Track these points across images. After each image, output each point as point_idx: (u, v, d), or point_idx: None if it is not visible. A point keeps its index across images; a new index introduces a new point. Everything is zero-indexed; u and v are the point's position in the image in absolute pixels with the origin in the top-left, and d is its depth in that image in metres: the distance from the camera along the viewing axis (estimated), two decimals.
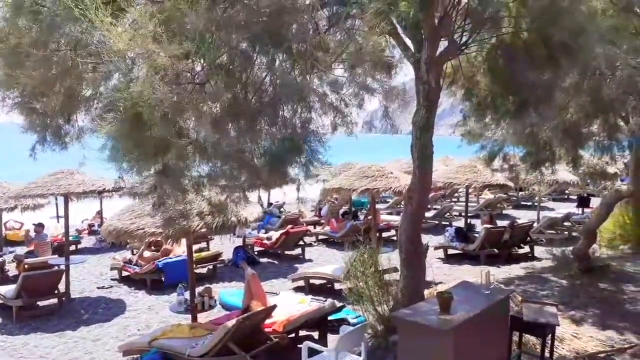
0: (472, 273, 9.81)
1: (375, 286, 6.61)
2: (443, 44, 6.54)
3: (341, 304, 7.39)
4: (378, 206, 15.53)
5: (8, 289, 9.22)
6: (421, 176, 6.42)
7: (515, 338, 5.76)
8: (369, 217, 12.91)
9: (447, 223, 16.71)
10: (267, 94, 5.10)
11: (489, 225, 12.40)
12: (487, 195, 21.05)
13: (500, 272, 10.43)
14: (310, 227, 15.85)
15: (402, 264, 6.53)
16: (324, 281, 9.75)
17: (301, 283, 10.03)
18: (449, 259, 12.16)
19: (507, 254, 11.95)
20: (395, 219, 15.77)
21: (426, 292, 7.11)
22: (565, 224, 15.29)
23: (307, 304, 7.46)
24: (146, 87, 3.69)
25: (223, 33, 3.97)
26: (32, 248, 13.08)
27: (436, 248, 12.29)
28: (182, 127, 4.44)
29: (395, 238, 14.30)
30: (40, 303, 9.36)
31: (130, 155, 4.30)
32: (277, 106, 4.98)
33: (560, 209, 19.04)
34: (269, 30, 4.70)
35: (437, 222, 16.89)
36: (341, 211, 17.12)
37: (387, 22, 5.90)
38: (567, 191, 24.26)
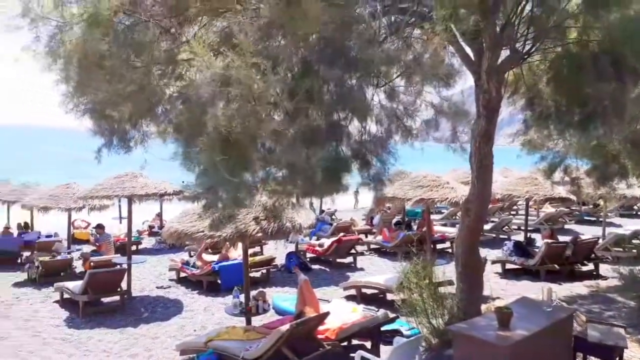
0: (531, 289, 9.45)
1: (429, 298, 6.49)
2: (504, 52, 6.40)
3: (394, 315, 7.31)
4: (432, 217, 15.28)
5: (75, 285, 9.76)
6: (480, 187, 6.28)
7: None
8: (423, 228, 12.71)
9: (505, 236, 16.16)
10: (327, 103, 5.18)
11: (549, 240, 11.91)
12: (548, 208, 20.19)
13: (562, 290, 9.98)
14: (362, 236, 15.78)
15: (459, 277, 6.40)
16: (376, 291, 9.68)
17: (353, 292, 10.01)
18: (506, 274, 11.77)
19: (569, 270, 11.42)
20: (450, 231, 15.46)
21: (483, 306, 6.93)
22: (634, 241, 14.42)
23: (359, 313, 7.44)
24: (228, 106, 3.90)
25: (289, 46, 4.09)
26: (97, 247, 13.81)
27: (493, 262, 11.92)
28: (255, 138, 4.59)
29: (450, 250, 14.05)
30: (104, 299, 9.84)
31: (199, 161, 4.49)
32: (336, 115, 5.05)
33: (628, 226, 17.99)
34: (329, 41, 4.79)
35: (494, 235, 16.40)
36: (394, 221, 16.95)
37: (447, 31, 5.84)
38: (635, 206, 22.91)
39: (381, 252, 14.60)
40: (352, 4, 4.99)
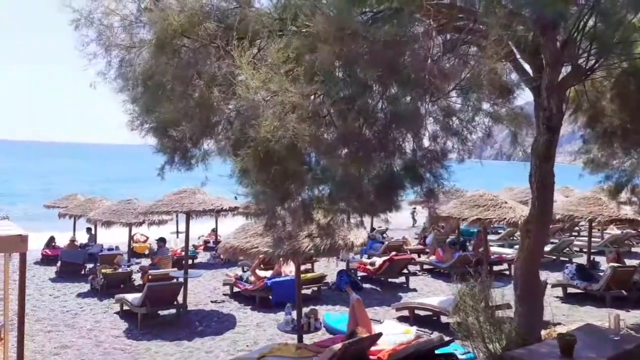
0: (595, 315, 8.95)
1: (486, 322, 6.27)
2: (566, 68, 6.20)
3: (449, 338, 7.11)
4: (488, 237, 14.81)
5: (134, 297, 10.12)
6: (540, 208, 6.06)
7: None
8: (480, 249, 12.35)
9: (567, 259, 15.44)
10: (381, 121, 5.19)
11: (616, 264, 11.26)
12: (613, 230, 19.15)
13: (630, 317, 9.38)
14: (415, 255, 15.52)
15: (517, 300, 6.16)
16: (430, 313, 9.46)
17: (405, 313, 9.83)
18: (568, 298, 11.20)
19: (637, 297, 10.73)
20: (508, 252, 14.95)
21: (543, 332, 6.62)
22: None
23: (413, 335, 7.27)
24: (274, 121, 4.00)
25: (344, 66, 4.16)
26: (155, 260, 14.29)
27: (554, 286, 11.39)
28: (302, 154, 4.67)
29: (507, 272, 13.56)
30: (161, 312, 10.14)
31: (254, 180, 4.61)
32: (390, 133, 5.05)
33: None
34: (384, 60, 4.82)
35: (554, 257, 15.69)
36: (448, 240, 16.58)
37: (505, 47, 5.74)
38: None
39: (435, 272, 14.28)
40: (404, 23, 5.01)
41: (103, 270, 12.64)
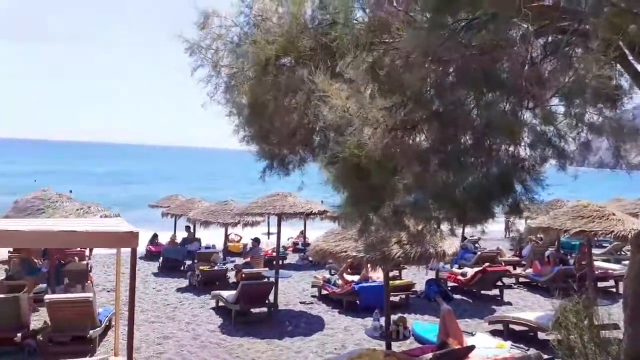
0: None
1: (590, 342, 5.85)
2: None
3: (548, 356, 6.73)
4: (592, 251, 13.77)
5: (229, 294, 10.64)
6: None
7: None
8: (583, 263, 11.52)
9: None
10: (476, 129, 5.06)
11: None
12: None
13: None
14: (510, 267, 14.79)
15: (627, 321, 5.66)
16: (526, 328, 8.99)
17: (499, 327, 9.42)
18: None
19: None
20: (614, 267, 13.80)
21: None
22: None
23: (507, 350, 6.98)
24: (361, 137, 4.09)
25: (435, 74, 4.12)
26: (248, 259, 14.90)
27: None
28: (394, 166, 4.68)
29: (614, 290, 12.53)
30: (253, 310, 10.56)
31: (347, 188, 4.70)
32: (485, 142, 4.90)
33: None
34: (479, 66, 4.70)
35: None
36: (547, 253, 15.62)
37: (615, 49, 5.35)
38: None
39: (532, 286, 13.53)
40: (501, 28, 4.85)
41: (201, 267, 13.43)
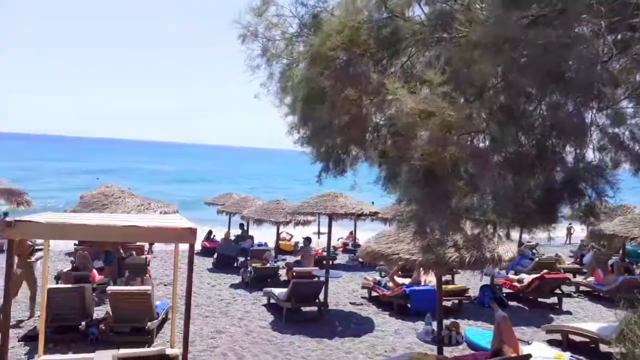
0: None
1: None
2: None
3: None
4: None
5: (281, 292, 10.77)
6: None
7: None
8: None
9: None
10: (538, 128, 4.89)
11: None
12: None
13: None
14: (570, 275, 14.17)
15: None
16: (587, 339, 8.57)
17: (557, 336, 9.03)
18: None
19: None
20: None
21: None
22: None
23: None
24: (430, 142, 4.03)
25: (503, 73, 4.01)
26: (299, 258, 15.05)
27: None
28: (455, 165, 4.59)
29: None
30: (304, 308, 10.64)
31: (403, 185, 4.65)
32: (550, 143, 4.72)
33: None
34: (545, 65, 4.53)
35: None
36: (610, 261, 14.86)
37: None
38: None
39: (593, 295, 12.90)
40: (569, 24, 4.65)
41: (253, 264, 13.69)
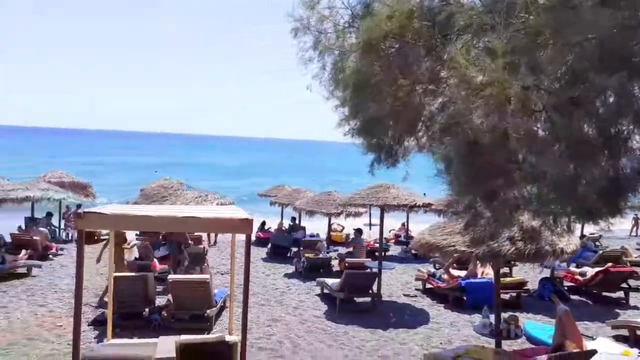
0: None
1: None
2: None
3: None
4: None
5: (334, 282, 10.86)
6: None
7: None
8: None
9: None
10: (602, 114, 4.67)
11: None
12: None
13: None
14: (638, 269, 13.43)
15: None
16: None
17: (623, 332, 8.63)
18: None
19: None
20: None
21: None
22: None
23: (634, 358, 6.39)
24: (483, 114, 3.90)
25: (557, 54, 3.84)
26: (351, 249, 15.08)
27: None
28: (513, 152, 4.46)
29: None
30: (357, 299, 10.67)
31: (459, 176, 4.55)
32: (616, 129, 4.49)
33: None
34: (607, 47, 4.31)
35: None
36: None
37: None
38: None
39: None
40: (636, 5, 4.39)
41: (306, 255, 13.84)
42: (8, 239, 14.41)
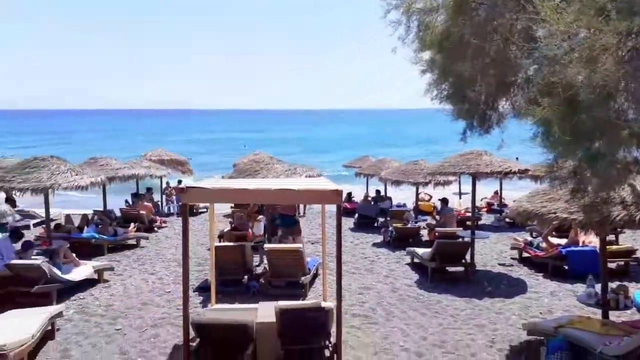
0: None
1: None
2: None
3: None
4: None
5: (424, 251, 10.77)
6: None
7: None
8: None
9: None
10: None
11: None
12: None
13: None
14: None
15: None
16: None
17: None
18: None
19: None
20: None
21: None
22: None
23: None
24: (583, 67, 3.60)
25: None
26: (440, 219, 14.79)
27: None
28: (620, 109, 4.10)
29: None
30: (449, 268, 10.52)
31: (560, 139, 4.27)
32: None
33: None
34: None
35: None
36: None
37: None
38: None
39: None
40: None
41: (394, 225, 13.81)
42: (118, 214, 15.81)
